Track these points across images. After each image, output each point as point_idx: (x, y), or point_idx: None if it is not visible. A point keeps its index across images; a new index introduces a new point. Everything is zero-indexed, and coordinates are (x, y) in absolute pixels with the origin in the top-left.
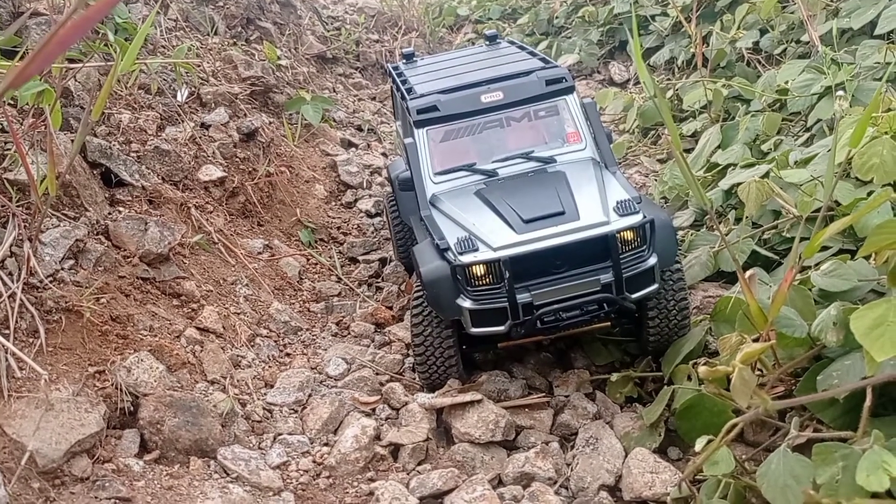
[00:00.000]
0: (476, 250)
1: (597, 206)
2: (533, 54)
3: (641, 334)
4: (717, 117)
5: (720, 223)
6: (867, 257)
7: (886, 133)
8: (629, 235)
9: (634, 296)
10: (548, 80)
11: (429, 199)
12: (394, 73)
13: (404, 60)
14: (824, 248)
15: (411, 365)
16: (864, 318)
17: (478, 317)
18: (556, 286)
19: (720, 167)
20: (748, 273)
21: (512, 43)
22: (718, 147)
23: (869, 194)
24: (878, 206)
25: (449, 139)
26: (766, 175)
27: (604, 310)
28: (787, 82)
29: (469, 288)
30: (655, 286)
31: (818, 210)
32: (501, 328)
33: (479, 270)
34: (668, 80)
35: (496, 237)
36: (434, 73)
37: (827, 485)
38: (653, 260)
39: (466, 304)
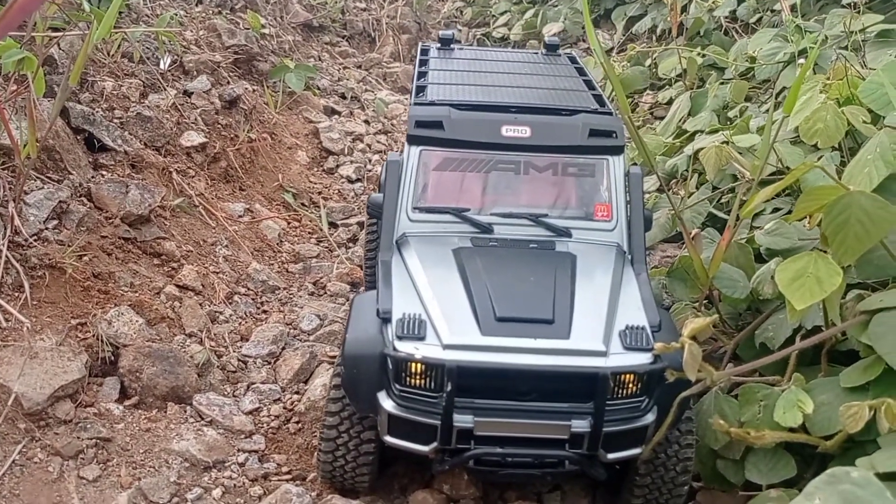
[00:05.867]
0: (421, 339)
1: (598, 326)
2: (590, 86)
3: (622, 491)
4: (692, 85)
5: (683, 187)
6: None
7: (837, 99)
8: (628, 378)
9: (611, 456)
10: (593, 130)
11: (396, 238)
12: (419, 57)
13: (439, 45)
14: (777, 210)
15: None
16: (788, 270)
17: (397, 424)
18: (510, 419)
19: (689, 133)
20: (693, 232)
21: (573, 61)
22: (690, 114)
23: (819, 159)
24: (807, 172)
25: (446, 169)
26: (728, 141)
27: (563, 468)
28: (755, 51)
29: (397, 385)
30: (640, 450)
31: (772, 174)
32: (423, 448)
33: (416, 367)
34: (649, 48)
35: (453, 329)
36: (460, 74)
37: (749, 422)
38: (650, 417)
39: (387, 404)
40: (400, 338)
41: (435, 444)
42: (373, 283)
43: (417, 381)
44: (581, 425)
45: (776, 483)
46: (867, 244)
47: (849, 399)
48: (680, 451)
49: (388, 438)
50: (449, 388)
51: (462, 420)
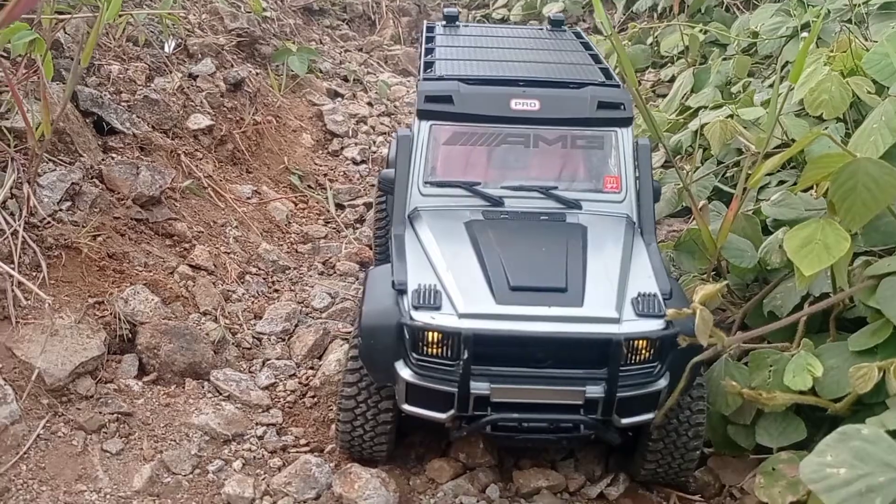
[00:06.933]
0: (437, 309)
1: (610, 293)
2: (597, 60)
3: (635, 456)
4: (694, 62)
5: (688, 162)
6: (808, 189)
7: (841, 71)
8: (641, 344)
9: (625, 421)
10: (601, 103)
11: (408, 213)
12: (424, 35)
13: (444, 22)
14: (782, 183)
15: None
16: (796, 237)
17: (415, 393)
18: (526, 385)
19: (692, 110)
20: (700, 204)
21: (578, 36)
22: (693, 91)
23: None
24: (813, 141)
25: (456, 143)
26: (732, 116)
27: (578, 432)
28: (758, 26)
29: (414, 354)
30: (653, 415)
31: (777, 147)
32: (441, 416)
33: (433, 336)
34: (651, 26)
35: (468, 299)
36: (467, 50)
37: (760, 386)
38: (663, 382)
39: (405, 373)
40: (416, 308)
41: (452, 412)
42: (383, 260)
43: (434, 350)
44: (595, 391)
45: (787, 446)
46: (874, 210)
47: (857, 362)
48: (692, 417)
49: (406, 407)
50: (465, 356)
51: (479, 387)
